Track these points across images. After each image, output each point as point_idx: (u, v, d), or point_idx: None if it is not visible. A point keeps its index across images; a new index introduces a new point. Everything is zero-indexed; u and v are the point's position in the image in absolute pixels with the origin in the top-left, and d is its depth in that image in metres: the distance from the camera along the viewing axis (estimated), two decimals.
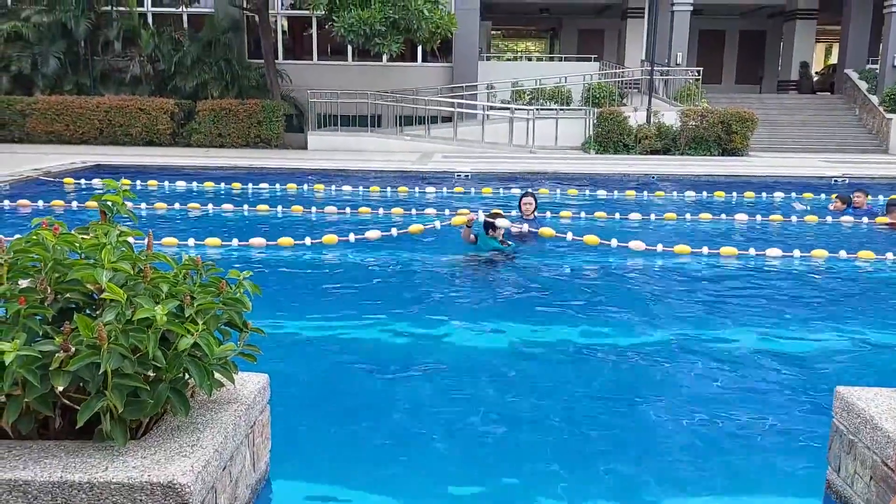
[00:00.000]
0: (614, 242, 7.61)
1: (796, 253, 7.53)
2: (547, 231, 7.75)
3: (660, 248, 7.62)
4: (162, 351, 2.19)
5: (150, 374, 2.21)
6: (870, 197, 10.61)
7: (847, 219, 9.81)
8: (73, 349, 2.07)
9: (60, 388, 2.07)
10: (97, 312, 2.27)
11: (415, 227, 7.72)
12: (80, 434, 2.25)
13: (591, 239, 7.65)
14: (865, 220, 9.67)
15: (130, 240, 2.48)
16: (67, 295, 2.29)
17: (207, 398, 2.52)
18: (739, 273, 7.12)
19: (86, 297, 2.33)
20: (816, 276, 7.04)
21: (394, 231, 7.66)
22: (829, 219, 9.80)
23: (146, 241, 2.61)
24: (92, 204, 2.72)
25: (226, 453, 2.33)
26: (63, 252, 2.29)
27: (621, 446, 3.52)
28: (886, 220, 9.52)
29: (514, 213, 9.04)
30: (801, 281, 6.92)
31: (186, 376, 2.32)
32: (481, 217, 7.65)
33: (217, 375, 2.36)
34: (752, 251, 7.56)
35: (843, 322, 5.49)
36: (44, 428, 2.31)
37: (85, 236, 2.43)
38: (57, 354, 2.07)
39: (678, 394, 4.12)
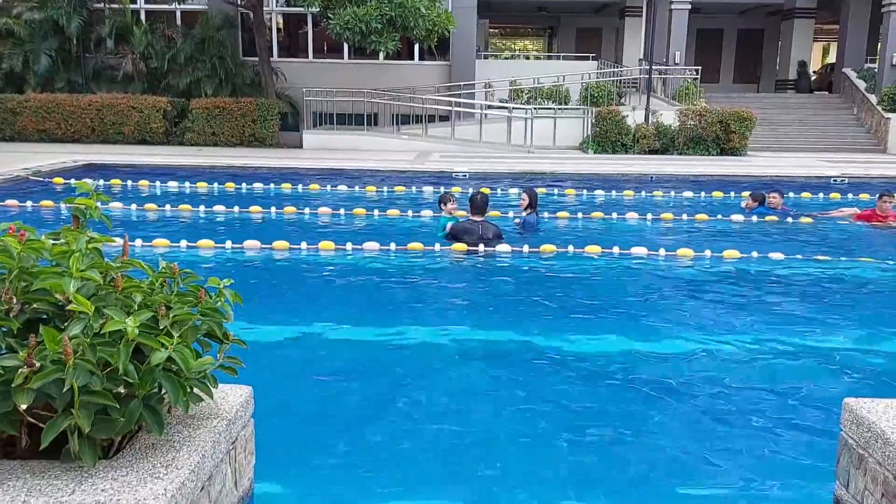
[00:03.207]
0: (616, 250, 7.51)
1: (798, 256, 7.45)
2: (548, 248, 7.61)
3: (662, 252, 7.51)
4: (135, 365, 2.06)
5: (122, 390, 2.08)
6: (785, 196, 10.64)
7: (841, 212, 9.74)
8: (37, 364, 1.94)
9: (24, 407, 1.94)
10: (65, 324, 2.13)
11: (414, 245, 7.59)
12: (52, 452, 2.12)
13: (593, 249, 7.55)
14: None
15: (104, 246, 2.34)
16: (34, 305, 2.15)
17: (185, 414, 2.39)
18: (739, 276, 7.00)
19: (55, 307, 2.19)
20: (821, 280, 6.92)
21: (392, 246, 7.52)
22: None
23: (122, 246, 2.47)
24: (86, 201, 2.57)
25: (203, 473, 2.20)
26: (30, 259, 2.16)
27: (619, 457, 3.40)
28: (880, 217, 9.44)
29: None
30: (804, 284, 6.79)
31: (162, 392, 2.19)
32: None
33: (195, 390, 2.23)
34: (754, 254, 7.45)
35: (853, 327, 5.36)
36: (11, 446, 2.18)
37: (57, 242, 2.30)
38: (20, 370, 1.94)
39: (677, 403, 3.99)
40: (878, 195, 9.83)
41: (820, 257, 7.51)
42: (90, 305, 1.97)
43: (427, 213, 9.69)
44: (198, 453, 2.18)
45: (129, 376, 2.03)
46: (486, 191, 10.95)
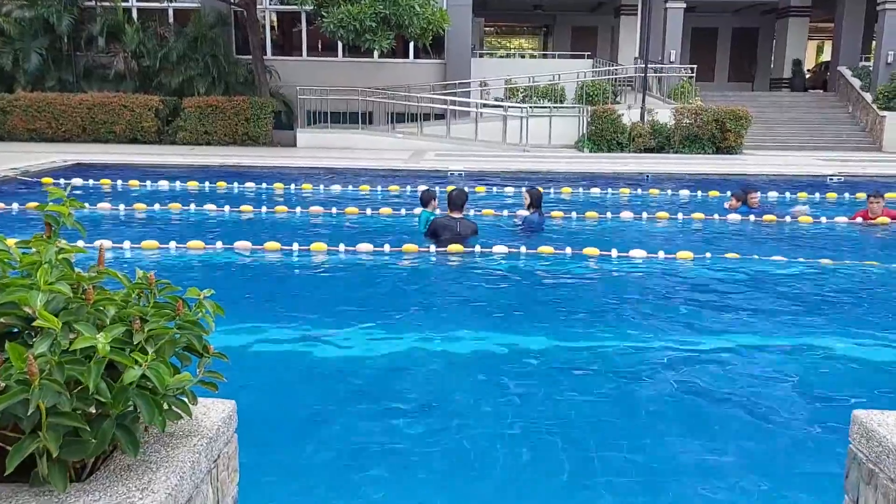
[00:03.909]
0: (614, 253, 7.38)
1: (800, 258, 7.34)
2: (545, 249, 7.52)
3: (661, 255, 7.38)
4: (108, 383, 1.94)
5: (94, 410, 1.96)
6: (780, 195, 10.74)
7: (841, 219, 9.66)
8: (2, 384, 1.82)
9: None
10: (34, 339, 2.01)
11: (409, 247, 7.49)
12: (23, 474, 2.00)
13: (590, 251, 7.43)
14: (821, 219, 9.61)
15: (76, 256, 2.22)
16: (2, 319, 2.03)
17: (162, 432, 2.27)
18: (739, 278, 6.89)
19: (24, 320, 2.07)
20: (828, 282, 6.80)
21: (386, 247, 7.41)
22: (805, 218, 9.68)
23: (97, 255, 2.35)
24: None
25: (182, 495, 2.09)
26: None
27: (618, 465, 3.30)
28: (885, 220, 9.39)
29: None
30: (809, 287, 6.67)
31: (136, 410, 2.07)
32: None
33: (172, 408, 2.11)
34: (755, 256, 7.33)
35: (860, 332, 5.24)
36: None
37: (27, 251, 2.18)
38: None
39: (678, 413, 3.89)
40: (867, 196, 9.81)
41: (825, 261, 7.39)
42: (57, 322, 1.85)
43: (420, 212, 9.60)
44: (176, 475, 2.06)
45: (101, 395, 1.91)
46: (480, 189, 10.84)
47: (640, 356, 4.69)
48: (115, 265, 2.28)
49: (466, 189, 8.53)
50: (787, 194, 12.00)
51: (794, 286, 6.61)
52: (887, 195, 11.70)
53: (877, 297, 6.37)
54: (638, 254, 7.40)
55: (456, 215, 7.79)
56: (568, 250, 7.44)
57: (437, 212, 8.35)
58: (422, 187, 11.93)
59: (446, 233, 7.62)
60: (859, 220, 9.54)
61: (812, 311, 5.89)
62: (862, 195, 11.59)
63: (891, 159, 17.43)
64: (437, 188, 9.78)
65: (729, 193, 10.72)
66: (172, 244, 7.35)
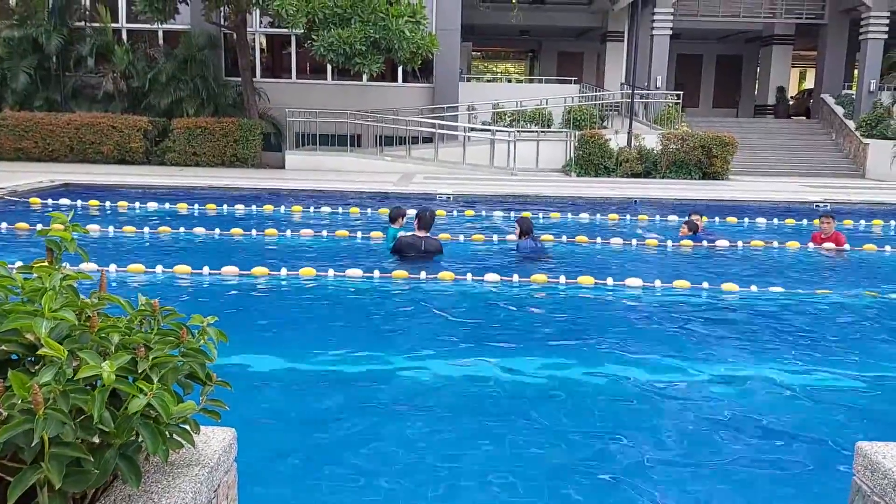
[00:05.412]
0: (610, 281, 7.36)
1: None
2: (539, 277, 7.51)
3: (658, 283, 7.35)
4: (111, 411, 1.90)
5: (96, 440, 1.92)
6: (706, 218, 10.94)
7: (828, 247, 9.75)
8: (4, 414, 1.78)
9: None
10: (37, 367, 1.97)
11: (399, 273, 7.48)
12: None
13: (585, 280, 7.41)
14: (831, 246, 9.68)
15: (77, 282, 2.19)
16: (3, 347, 1.99)
17: (164, 462, 2.23)
18: (732, 307, 6.91)
19: (26, 347, 2.03)
20: (819, 311, 6.82)
21: (376, 273, 7.38)
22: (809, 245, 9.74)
23: (99, 280, 2.32)
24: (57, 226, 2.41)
25: None
26: None
27: (611, 497, 3.27)
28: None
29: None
30: (801, 315, 6.68)
31: (139, 439, 2.03)
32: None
33: (174, 436, 2.07)
34: (753, 288, 7.32)
35: (858, 361, 5.25)
36: None
37: (29, 277, 2.14)
38: None
39: (676, 444, 3.86)
40: (819, 217, 10.02)
41: (820, 291, 7.41)
42: (63, 351, 1.82)
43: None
44: None
45: (105, 424, 1.87)
46: (469, 212, 10.85)
47: (634, 384, 4.68)
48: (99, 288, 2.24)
49: (438, 211, 8.68)
50: (776, 221, 12.11)
51: (776, 316, 6.64)
52: (875, 222, 11.92)
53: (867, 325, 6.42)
54: (633, 282, 7.37)
55: (421, 234, 8.11)
56: (562, 279, 7.40)
57: (418, 232, 8.37)
58: (411, 210, 11.95)
59: (411, 251, 8.02)
60: (821, 244, 9.62)
61: (806, 340, 5.92)
62: (849, 222, 11.75)
63: (874, 186, 17.69)
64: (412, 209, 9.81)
65: (679, 220, 10.84)
66: (159, 268, 7.28)
